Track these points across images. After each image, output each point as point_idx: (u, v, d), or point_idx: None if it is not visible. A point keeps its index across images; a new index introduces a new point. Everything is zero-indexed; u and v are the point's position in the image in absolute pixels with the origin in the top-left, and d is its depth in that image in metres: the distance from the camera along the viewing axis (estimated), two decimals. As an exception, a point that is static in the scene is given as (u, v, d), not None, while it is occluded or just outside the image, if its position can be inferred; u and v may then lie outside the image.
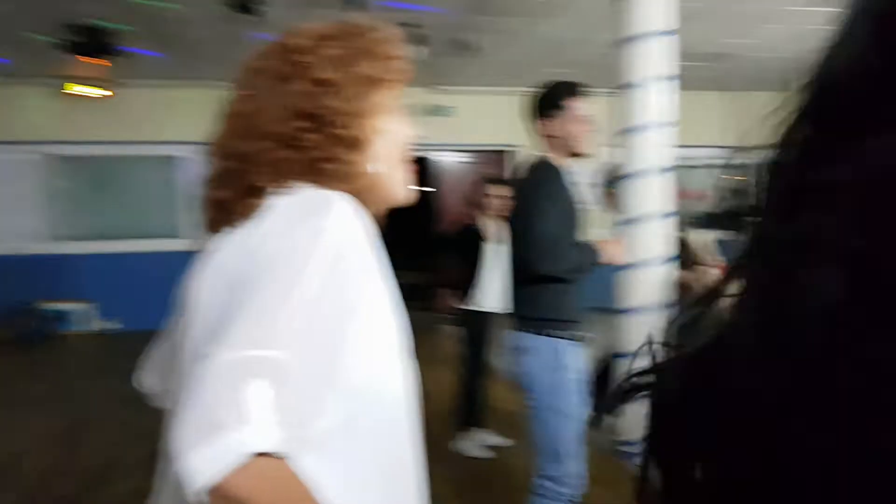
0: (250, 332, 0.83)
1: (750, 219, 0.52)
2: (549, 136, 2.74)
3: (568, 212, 2.64)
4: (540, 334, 2.65)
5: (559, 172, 2.70)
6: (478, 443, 4.53)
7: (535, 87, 2.84)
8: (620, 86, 4.27)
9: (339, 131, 1.04)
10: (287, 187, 1.01)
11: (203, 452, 0.75)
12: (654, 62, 4.25)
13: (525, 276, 2.66)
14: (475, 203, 4.72)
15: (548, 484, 2.68)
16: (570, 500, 2.70)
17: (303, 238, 0.92)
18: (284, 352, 0.82)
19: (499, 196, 4.70)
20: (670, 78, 4.28)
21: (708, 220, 4.53)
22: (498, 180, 4.89)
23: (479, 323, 4.60)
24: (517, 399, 5.58)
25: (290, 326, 0.84)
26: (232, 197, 1.03)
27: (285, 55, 1.07)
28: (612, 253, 2.73)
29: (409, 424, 1.06)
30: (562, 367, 2.62)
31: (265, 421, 0.77)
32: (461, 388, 4.65)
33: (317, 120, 1.04)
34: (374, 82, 1.09)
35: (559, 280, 2.61)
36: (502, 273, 4.72)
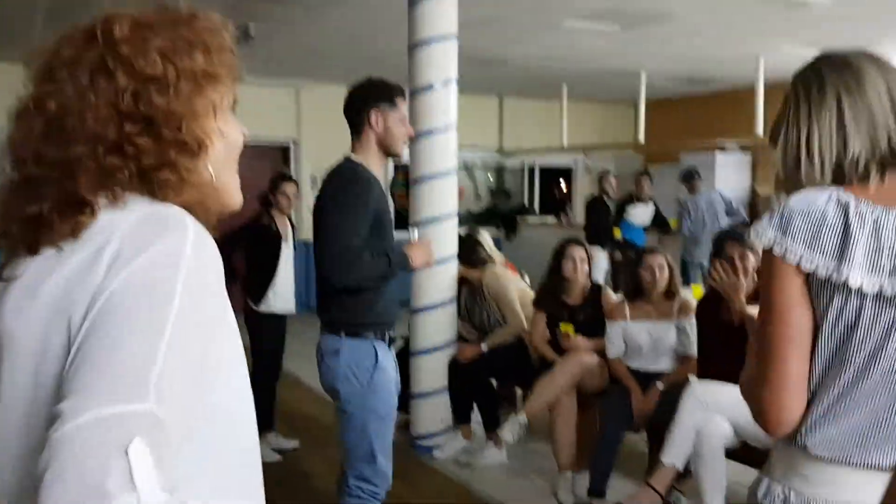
0: (117, 385, 0.72)
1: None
2: (367, 136, 2.68)
3: (372, 218, 2.59)
4: (350, 336, 2.61)
5: (366, 176, 2.65)
6: (268, 446, 4.39)
7: (336, 82, 2.78)
8: (413, 89, 4.32)
9: (173, 134, 0.92)
10: (120, 201, 0.89)
11: None
12: (442, 65, 4.35)
13: (327, 286, 2.61)
14: (267, 200, 4.56)
15: (363, 485, 2.66)
16: (381, 499, 2.70)
17: (160, 270, 0.80)
18: (157, 405, 0.73)
19: (287, 194, 4.58)
20: (448, 81, 4.39)
21: (480, 219, 4.75)
22: (287, 177, 4.76)
23: (271, 325, 4.46)
24: (304, 400, 5.55)
25: (160, 376, 0.74)
26: (49, 212, 0.87)
27: (103, 44, 0.92)
28: (421, 256, 2.74)
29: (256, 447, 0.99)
30: (374, 367, 2.60)
31: (151, 484, 0.67)
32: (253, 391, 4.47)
33: (147, 121, 0.91)
34: (208, 77, 0.97)
35: (357, 290, 2.58)
36: (294, 273, 4.62)
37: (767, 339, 1.24)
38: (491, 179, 11.46)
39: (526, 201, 11.73)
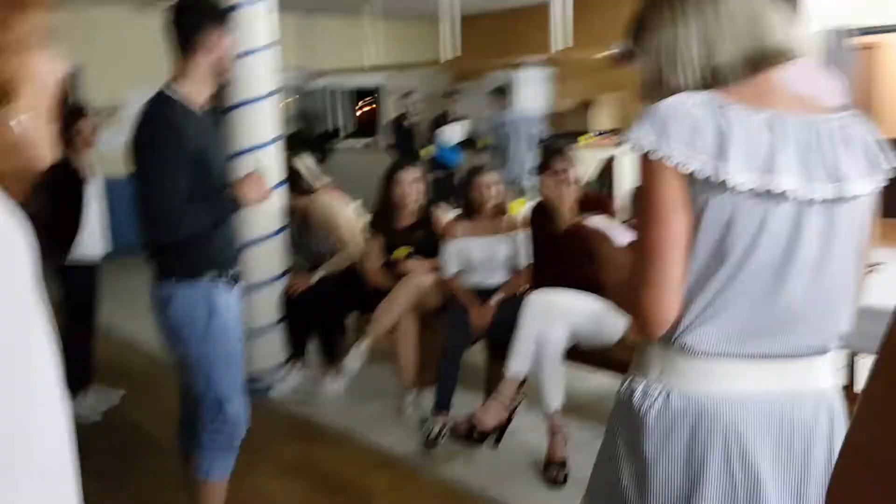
0: None
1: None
2: (200, 59, 2.43)
3: (193, 161, 2.38)
4: (184, 280, 2.43)
5: (182, 113, 2.40)
6: (90, 405, 4.09)
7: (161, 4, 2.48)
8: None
9: None
10: None
11: None
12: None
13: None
14: (67, 138, 4.08)
15: (215, 436, 2.54)
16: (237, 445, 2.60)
17: None
18: None
19: (83, 132, 4.14)
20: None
21: (287, 146, 4.57)
22: (81, 113, 4.28)
23: (82, 276, 4.08)
24: (125, 351, 5.21)
25: None
26: None
27: None
28: (254, 191, 2.55)
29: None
30: (214, 311, 2.45)
31: None
32: (67, 349, 4.11)
33: None
34: (16, 5, 0.76)
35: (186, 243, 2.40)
36: (101, 213, 4.23)
37: (649, 243, 1.26)
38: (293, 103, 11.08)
39: (333, 124, 11.50)
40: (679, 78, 1.30)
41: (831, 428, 1.32)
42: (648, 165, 1.25)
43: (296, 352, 4.48)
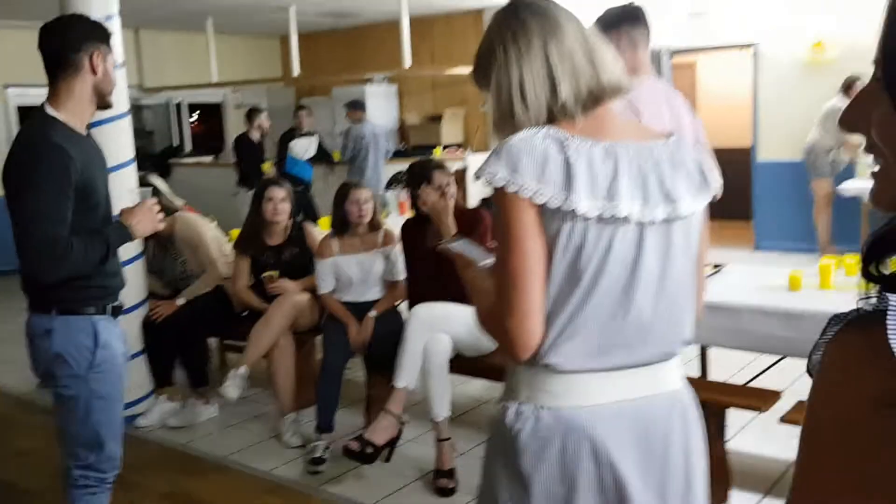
0: None
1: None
2: (81, 82, 2.28)
3: (79, 190, 2.22)
4: (63, 313, 2.29)
5: (64, 139, 2.23)
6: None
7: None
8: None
9: None
10: None
11: None
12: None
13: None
14: None
15: (89, 473, 2.40)
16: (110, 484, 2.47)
17: None
18: None
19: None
20: (111, 17, 3.97)
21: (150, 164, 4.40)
22: None
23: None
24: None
25: None
26: None
27: None
28: (144, 221, 2.42)
29: None
30: (98, 345, 2.32)
31: None
32: None
33: None
34: None
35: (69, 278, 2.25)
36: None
37: (509, 271, 1.35)
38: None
39: (176, 140, 11.05)
40: (526, 114, 1.40)
41: (685, 421, 1.47)
42: (504, 198, 1.34)
43: (162, 380, 4.28)
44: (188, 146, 11.21)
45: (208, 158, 10.72)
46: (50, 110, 2.29)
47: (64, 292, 2.27)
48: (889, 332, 0.56)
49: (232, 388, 3.77)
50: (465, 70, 7.38)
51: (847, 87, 6.81)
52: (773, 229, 8.20)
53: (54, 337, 2.28)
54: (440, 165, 3.62)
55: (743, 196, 8.26)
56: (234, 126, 11.00)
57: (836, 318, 0.63)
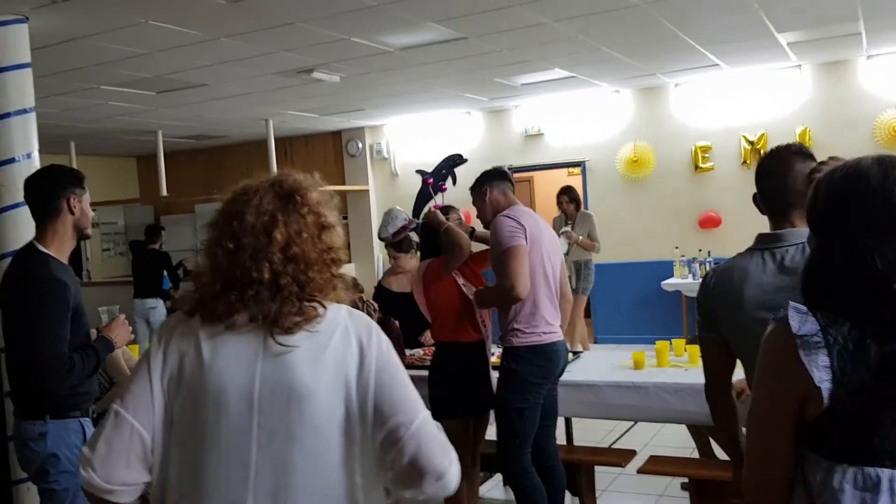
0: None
1: None
2: (63, 222, 2.69)
3: (75, 310, 2.64)
4: (56, 418, 2.64)
5: (61, 270, 2.66)
6: None
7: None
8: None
9: None
10: None
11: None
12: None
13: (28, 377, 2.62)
14: None
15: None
16: None
17: None
18: None
19: None
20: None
21: None
22: None
23: None
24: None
25: None
26: None
27: None
28: (121, 334, 2.83)
29: None
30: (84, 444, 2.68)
31: None
32: None
33: None
34: None
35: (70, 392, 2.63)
36: None
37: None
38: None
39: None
40: None
41: None
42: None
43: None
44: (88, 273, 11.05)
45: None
46: (41, 248, 2.70)
47: (56, 400, 2.65)
48: (790, 318, 1.25)
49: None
50: (327, 187, 8.25)
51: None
52: (609, 324, 9.27)
53: (49, 439, 2.63)
54: (354, 284, 4.25)
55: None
56: (93, 243, 10.97)
57: (773, 319, 1.31)
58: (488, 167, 3.80)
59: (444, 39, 5.77)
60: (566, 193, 7.58)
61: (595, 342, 9.29)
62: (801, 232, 1.89)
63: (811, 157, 2.22)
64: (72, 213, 2.73)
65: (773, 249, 1.93)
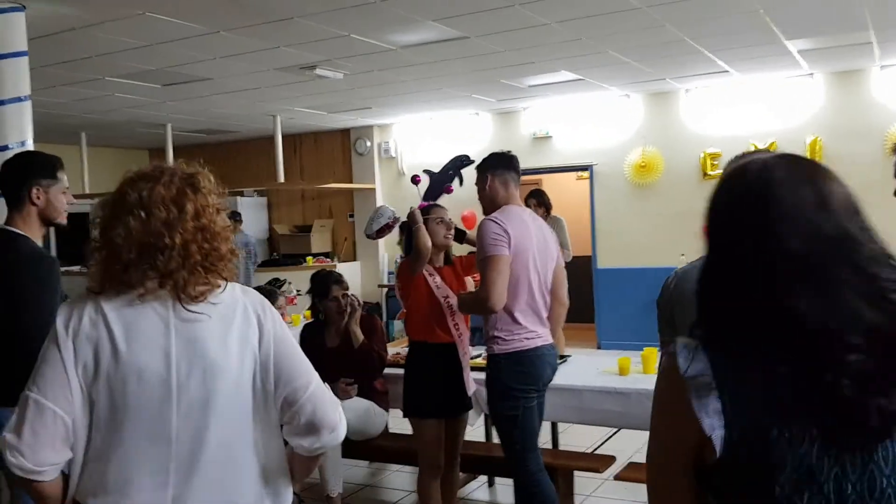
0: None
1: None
2: (28, 210, 2.71)
3: (58, 285, 2.68)
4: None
5: (49, 257, 2.75)
6: None
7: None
8: None
9: None
10: None
11: None
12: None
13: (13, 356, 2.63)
14: None
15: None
16: None
17: None
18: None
19: None
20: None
21: None
22: None
23: None
24: None
25: None
26: None
27: None
28: None
29: None
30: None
31: None
32: None
33: None
34: None
35: None
36: None
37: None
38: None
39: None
40: None
41: None
42: None
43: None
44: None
45: (76, 267, 10.71)
46: (13, 230, 2.72)
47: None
48: (678, 356, 1.10)
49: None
50: (334, 185, 8.25)
51: None
52: (613, 329, 9.20)
53: None
54: (338, 280, 4.24)
55: (586, 300, 9.26)
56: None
57: (665, 350, 1.17)
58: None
59: (444, 38, 5.75)
60: (535, 197, 7.14)
61: (599, 347, 9.23)
62: None
63: None
64: (34, 204, 2.74)
65: None
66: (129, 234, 1.56)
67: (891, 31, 6.20)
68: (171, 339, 1.56)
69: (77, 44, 5.47)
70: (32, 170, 2.77)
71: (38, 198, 2.73)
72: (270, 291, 4.29)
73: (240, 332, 1.62)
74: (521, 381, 3.28)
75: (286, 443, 1.70)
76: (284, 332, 1.69)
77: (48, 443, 1.50)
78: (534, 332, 3.32)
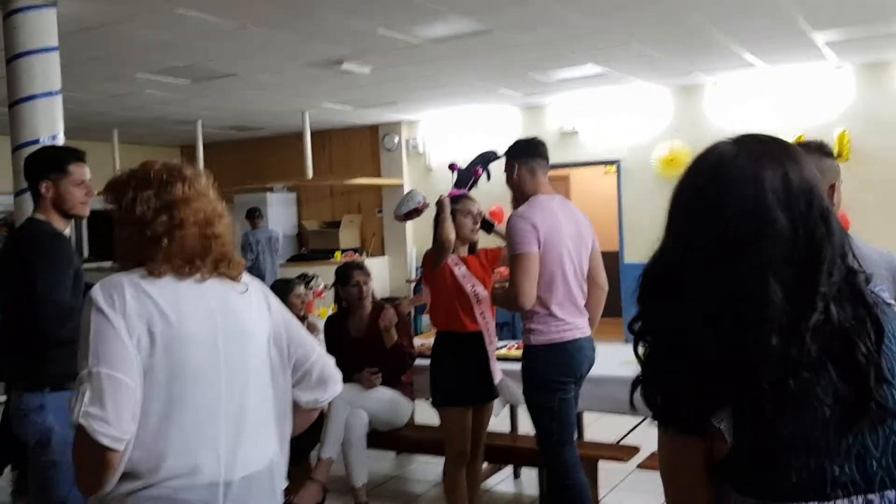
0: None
1: None
2: (44, 201, 2.79)
3: (69, 273, 2.72)
4: (55, 390, 2.71)
5: (59, 232, 2.79)
6: None
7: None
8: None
9: None
10: None
11: None
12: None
13: (31, 340, 2.69)
14: None
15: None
16: None
17: None
18: None
19: None
20: None
21: None
22: None
23: None
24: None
25: None
26: None
27: None
28: None
29: None
30: (79, 416, 2.75)
31: None
32: None
33: None
34: None
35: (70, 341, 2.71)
36: None
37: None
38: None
39: (77, 247, 11.18)
40: None
41: None
42: None
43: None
44: (86, 251, 11.35)
45: (107, 263, 10.89)
46: (36, 216, 2.82)
47: (55, 369, 2.71)
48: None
49: None
50: (362, 180, 8.27)
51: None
52: (641, 323, 9.14)
53: (48, 409, 2.70)
54: (359, 266, 4.28)
55: (613, 294, 9.20)
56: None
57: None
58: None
59: (469, 32, 5.76)
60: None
61: (627, 341, 9.18)
62: None
63: (830, 154, 2.17)
64: (45, 197, 2.81)
65: None
66: (185, 232, 1.72)
67: (924, 20, 6.08)
68: (214, 309, 1.71)
69: (107, 40, 5.57)
70: (41, 164, 2.86)
71: (48, 191, 2.80)
72: (282, 288, 4.34)
73: (258, 303, 1.84)
74: (558, 372, 3.27)
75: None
76: (286, 309, 1.95)
77: (128, 414, 1.55)
78: (572, 323, 3.30)
